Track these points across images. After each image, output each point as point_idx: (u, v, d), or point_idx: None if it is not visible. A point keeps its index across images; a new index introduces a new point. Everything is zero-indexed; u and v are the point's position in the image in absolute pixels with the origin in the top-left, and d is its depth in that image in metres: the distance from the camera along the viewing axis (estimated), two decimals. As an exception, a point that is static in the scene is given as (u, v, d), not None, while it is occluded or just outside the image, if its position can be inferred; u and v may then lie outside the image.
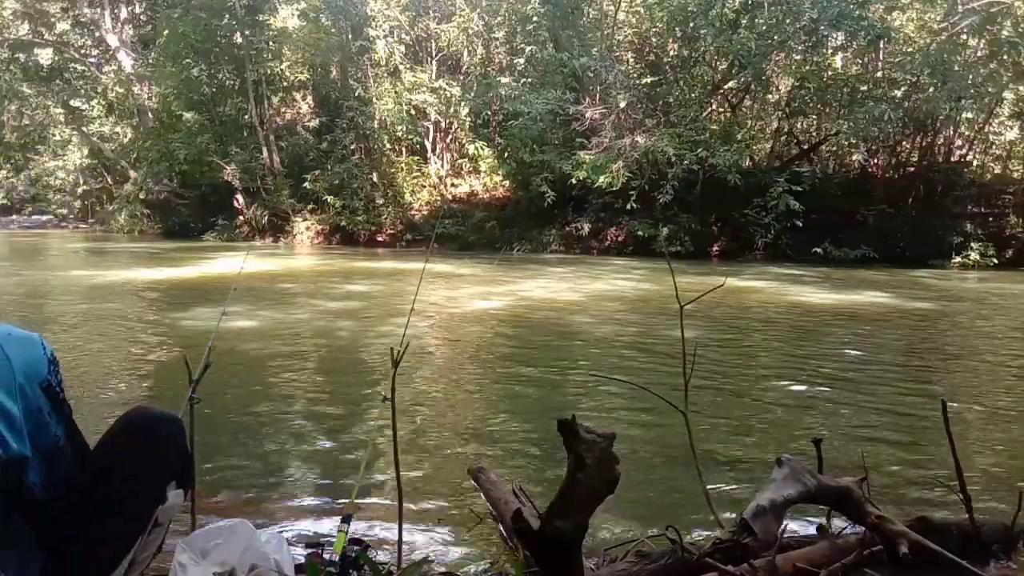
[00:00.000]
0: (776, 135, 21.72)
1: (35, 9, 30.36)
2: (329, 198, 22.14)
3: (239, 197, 23.78)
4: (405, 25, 22.38)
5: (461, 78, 22.74)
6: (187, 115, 25.13)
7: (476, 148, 22.33)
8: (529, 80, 21.05)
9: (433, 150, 23.51)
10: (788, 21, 18.31)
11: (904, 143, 20.13)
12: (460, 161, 23.74)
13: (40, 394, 1.32)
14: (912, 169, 19.82)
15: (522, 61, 21.46)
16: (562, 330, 7.93)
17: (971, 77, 17.80)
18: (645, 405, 4.51)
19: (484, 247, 20.22)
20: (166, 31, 24.57)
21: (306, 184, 22.30)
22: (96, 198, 36.39)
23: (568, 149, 19.37)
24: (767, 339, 7.38)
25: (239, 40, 23.25)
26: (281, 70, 24.36)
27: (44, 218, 40.01)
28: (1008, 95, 19.68)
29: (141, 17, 30.88)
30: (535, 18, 20.86)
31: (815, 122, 21.37)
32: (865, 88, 19.67)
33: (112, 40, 29.61)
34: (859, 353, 6.68)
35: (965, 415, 4.58)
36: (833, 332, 7.94)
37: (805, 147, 20.94)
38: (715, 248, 18.79)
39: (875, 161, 20.05)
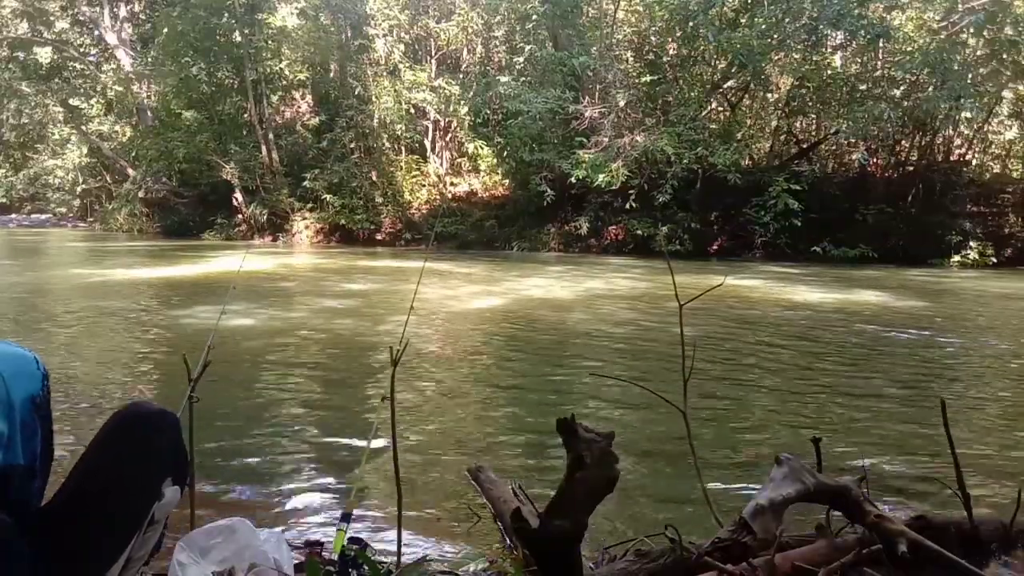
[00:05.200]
0: (775, 134, 21.74)
1: (34, 7, 30.33)
2: (328, 197, 22.14)
3: (238, 196, 23.77)
4: (404, 24, 22.40)
5: (460, 77, 22.75)
6: (186, 114, 25.14)
7: (475, 147, 22.34)
8: (528, 79, 21.05)
9: (432, 149, 23.51)
10: (788, 20, 18.32)
11: (903, 142, 20.14)
12: (459, 160, 23.75)
13: (31, 409, 1.33)
14: (911, 168, 19.84)
15: (521, 60, 21.46)
16: (561, 329, 7.93)
17: (970, 76, 17.81)
18: (644, 404, 4.51)
19: (483, 246, 20.24)
20: (165, 29, 24.55)
21: (305, 183, 22.30)
22: (95, 197, 36.42)
23: (567, 148, 19.38)
24: (766, 338, 7.38)
25: (238, 39, 23.22)
26: (280, 69, 24.35)
27: (43, 217, 40.06)
28: (1007, 94, 19.71)
29: (140, 15, 30.87)
30: (534, 17, 20.87)
31: (814, 121, 21.41)
32: (864, 87, 19.69)
33: (111, 38, 29.59)
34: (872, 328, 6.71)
35: (964, 414, 4.58)
36: (832, 330, 7.94)
37: (804, 146, 20.96)
38: (714, 247, 18.80)
39: (874, 160, 20.06)
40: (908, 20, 20.80)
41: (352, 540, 2.08)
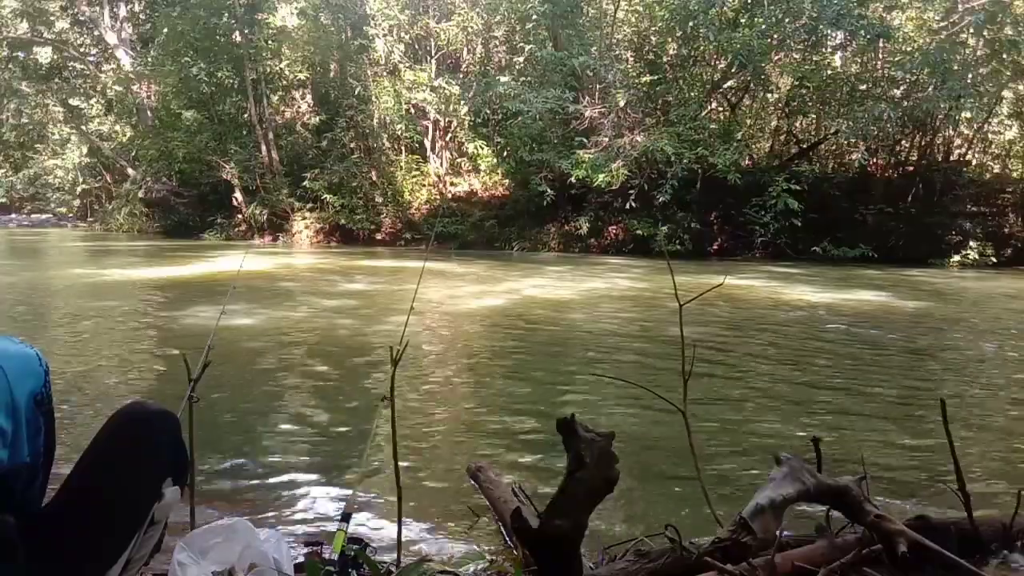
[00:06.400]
0: (775, 134, 21.75)
1: (34, 7, 30.33)
2: (328, 197, 22.14)
3: (238, 196, 23.77)
4: (404, 24, 22.38)
5: (460, 77, 22.73)
6: (186, 113, 25.13)
7: (475, 147, 22.33)
8: (528, 79, 21.05)
9: (432, 149, 23.50)
10: (788, 20, 18.33)
11: (903, 142, 20.15)
12: (459, 160, 23.73)
13: (33, 407, 1.32)
14: (911, 168, 19.85)
15: (521, 60, 21.46)
16: (561, 328, 7.92)
17: (970, 76, 17.82)
18: (644, 404, 4.51)
19: (483, 246, 20.25)
20: (165, 29, 24.56)
21: (305, 183, 22.29)
22: (95, 197, 36.43)
23: (567, 148, 19.39)
24: (765, 338, 7.38)
25: (238, 38, 23.23)
26: (280, 68, 24.35)
27: (43, 217, 40.11)
28: (1007, 94, 19.73)
29: (140, 15, 30.87)
30: (534, 17, 20.87)
31: (814, 121, 21.41)
32: (864, 87, 19.71)
33: (111, 38, 29.61)
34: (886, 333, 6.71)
35: (964, 414, 4.58)
36: (831, 331, 7.94)
37: (804, 146, 20.96)
38: (714, 247, 18.80)
39: (874, 160, 20.07)
40: (908, 20, 20.81)
41: (352, 540, 2.08)
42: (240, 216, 23.99)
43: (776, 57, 19.34)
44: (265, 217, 23.28)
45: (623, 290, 11.51)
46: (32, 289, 11.01)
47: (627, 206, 18.51)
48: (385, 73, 22.53)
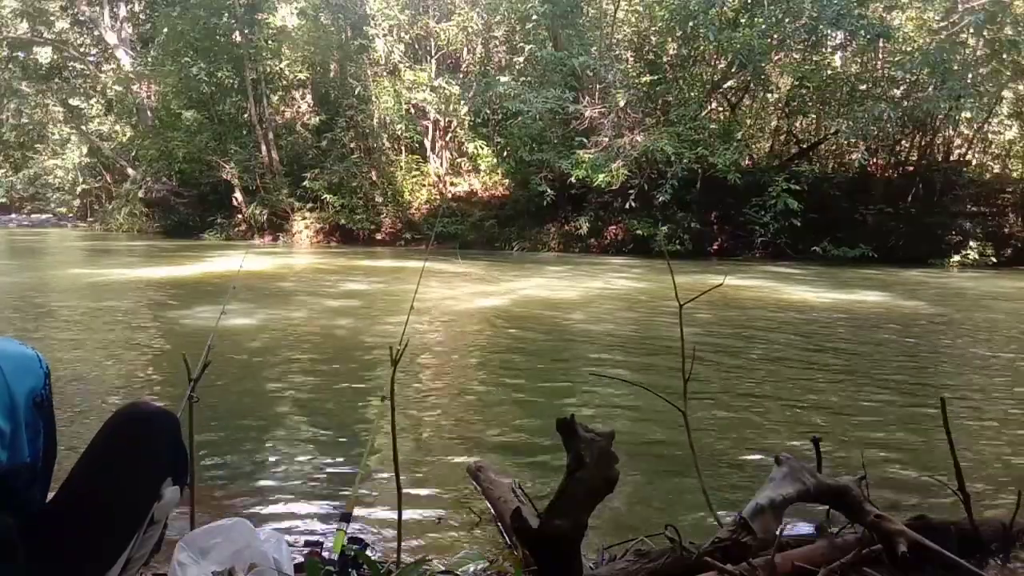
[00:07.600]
0: (775, 134, 21.75)
1: (34, 7, 30.34)
2: (328, 197, 22.15)
3: (238, 196, 23.78)
4: (404, 24, 22.39)
5: (460, 77, 22.74)
6: (186, 113, 25.15)
7: (475, 147, 22.34)
8: (528, 79, 21.05)
9: (432, 149, 23.52)
10: (788, 20, 18.34)
11: (903, 142, 20.15)
12: (459, 160, 23.74)
13: (33, 408, 1.32)
14: (911, 168, 19.85)
15: (521, 60, 21.45)
16: (561, 328, 7.92)
17: (970, 76, 17.82)
18: (644, 404, 4.51)
19: (483, 246, 20.25)
20: (165, 29, 24.57)
21: (305, 183, 22.30)
22: (95, 196, 36.46)
23: (567, 148, 19.39)
24: (765, 338, 7.38)
25: (238, 38, 23.24)
26: (280, 68, 24.36)
27: (43, 217, 40.13)
28: (1007, 94, 19.73)
29: (140, 15, 30.89)
30: (535, 17, 20.88)
31: (814, 121, 21.42)
32: (864, 87, 19.71)
33: (111, 38, 29.62)
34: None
35: (964, 414, 4.58)
36: (831, 331, 7.94)
37: (804, 146, 20.97)
38: (714, 247, 18.80)
39: (874, 160, 20.07)
40: (908, 20, 20.81)
41: (352, 540, 2.08)
42: (240, 216, 24.00)
43: (776, 57, 19.34)
44: (265, 217, 23.29)
45: (623, 290, 11.51)
46: (32, 289, 11.00)
47: (627, 206, 18.51)
48: (385, 73, 22.54)
